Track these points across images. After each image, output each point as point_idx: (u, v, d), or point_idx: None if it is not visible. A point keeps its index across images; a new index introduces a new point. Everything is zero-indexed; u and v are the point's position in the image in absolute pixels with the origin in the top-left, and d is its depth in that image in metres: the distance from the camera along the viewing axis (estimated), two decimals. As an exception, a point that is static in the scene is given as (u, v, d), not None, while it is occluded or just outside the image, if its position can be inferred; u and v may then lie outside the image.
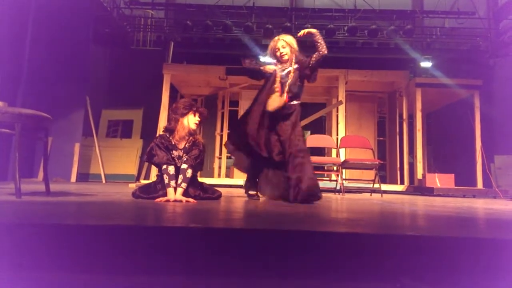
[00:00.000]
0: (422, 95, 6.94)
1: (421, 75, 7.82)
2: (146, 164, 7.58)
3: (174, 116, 2.87)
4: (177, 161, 2.77)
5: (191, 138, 2.86)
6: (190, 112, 2.87)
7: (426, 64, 8.22)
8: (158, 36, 9.20)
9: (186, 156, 2.77)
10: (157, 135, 3.00)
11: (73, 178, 6.56)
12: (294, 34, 3.30)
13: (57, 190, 3.31)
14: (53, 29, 6.51)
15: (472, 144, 6.89)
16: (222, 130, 7.94)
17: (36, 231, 1.22)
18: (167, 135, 2.85)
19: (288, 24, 8.84)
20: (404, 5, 9.60)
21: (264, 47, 9.21)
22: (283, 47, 3.16)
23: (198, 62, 7.46)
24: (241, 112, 7.82)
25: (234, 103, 8.00)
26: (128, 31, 9.05)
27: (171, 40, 8.94)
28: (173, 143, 2.83)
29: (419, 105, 6.91)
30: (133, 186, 4.84)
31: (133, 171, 7.45)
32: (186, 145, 2.83)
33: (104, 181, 6.91)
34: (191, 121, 2.87)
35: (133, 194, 2.80)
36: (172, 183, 2.64)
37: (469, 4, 9.53)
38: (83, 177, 7.05)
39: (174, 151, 2.81)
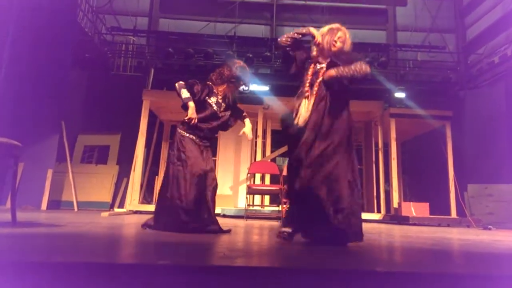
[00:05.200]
0: (397, 125, 7.14)
1: (396, 105, 8.07)
2: (121, 191, 7.39)
3: (220, 77, 3.06)
4: (214, 107, 3.02)
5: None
6: (231, 85, 3.08)
7: (400, 94, 8.50)
8: (139, 62, 9.24)
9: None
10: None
11: (44, 205, 6.30)
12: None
13: (25, 220, 3.17)
14: (32, 52, 6.43)
15: (446, 173, 7.07)
16: (201, 156, 7.89)
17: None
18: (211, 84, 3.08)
19: (268, 54, 9.06)
20: (379, 39, 10.04)
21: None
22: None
23: (178, 89, 7.48)
24: (220, 138, 7.83)
25: (214, 129, 8.01)
26: (109, 56, 9.05)
27: (152, 66, 8.98)
28: (214, 91, 3.06)
29: (393, 135, 7.09)
30: (105, 214, 4.69)
31: (108, 198, 7.23)
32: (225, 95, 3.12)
33: (76, 209, 6.67)
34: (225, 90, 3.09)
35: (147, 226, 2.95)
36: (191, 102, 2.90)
37: (440, 39, 10.08)
38: (55, 204, 6.79)
39: (213, 97, 3.04)
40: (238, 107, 3.25)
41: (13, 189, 2.76)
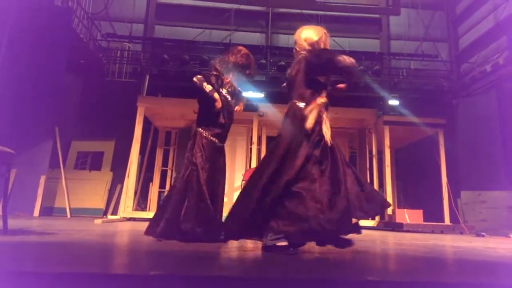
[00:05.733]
0: (390, 132, 7.20)
1: (389, 113, 8.13)
2: (115, 197, 7.35)
3: (230, 59, 2.94)
4: (228, 98, 2.96)
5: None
6: (240, 72, 2.98)
7: (393, 102, 8.58)
8: (134, 68, 9.24)
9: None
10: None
11: (36, 212, 6.25)
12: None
13: (16, 228, 3.14)
14: (26, 58, 6.41)
15: (439, 180, 7.12)
16: (195, 163, 7.86)
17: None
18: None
19: (264, 61, 9.11)
20: (373, 47, 10.15)
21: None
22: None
23: (173, 95, 7.48)
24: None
25: (208, 136, 8.00)
26: (104, 62, 9.05)
27: (147, 72, 8.99)
28: (224, 82, 2.97)
29: (387, 142, 7.14)
30: (98, 222, 4.65)
31: (101, 205, 7.19)
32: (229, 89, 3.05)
33: (69, 216, 6.62)
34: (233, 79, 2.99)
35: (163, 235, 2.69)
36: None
37: (433, 47, 10.20)
38: (47, 211, 6.74)
39: (223, 89, 2.96)
40: (240, 91, 3.15)
41: (5, 196, 2.74)
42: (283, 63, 9.20)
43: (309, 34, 2.49)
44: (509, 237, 4.90)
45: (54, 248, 1.98)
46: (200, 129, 2.90)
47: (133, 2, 9.95)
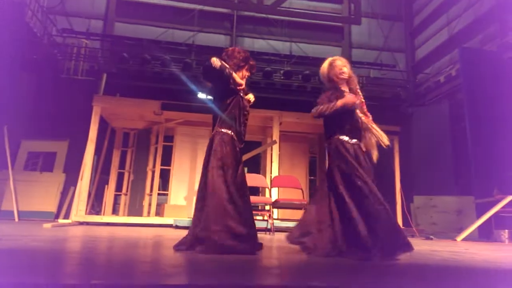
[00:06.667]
0: (349, 138, 7.39)
1: (349, 119, 8.37)
2: (67, 201, 7.01)
3: (231, 63, 2.69)
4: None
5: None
6: (246, 67, 2.80)
7: (353, 109, 8.84)
8: (91, 66, 8.89)
9: None
10: None
11: (-20, 215, 5.84)
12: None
13: (-48, 234, 2.90)
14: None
15: (393, 184, 7.41)
16: (154, 165, 7.67)
17: None
18: None
19: (227, 63, 9.08)
20: (334, 54, 10.39)
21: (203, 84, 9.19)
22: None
23: (132, 95, 7.25)
24: (176, 147, 7.66)
25: (169, 138, 7.84)
26: (59, 58, 8.64)
27: (104, 70, 8.67)
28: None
29: (346, 147, 7.33)
30: (48, 226, 4.41)
31: (52, 208, 6.82)
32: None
33: (17, 219, 6.23)
34: (242, 76, 2.78)
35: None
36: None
37: (391, 57, 10.66)
38: (-7, 214, 6.31)
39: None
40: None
41: None
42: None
43: (321, 71, 2.90)
44: (455, 240, 5.18)
45: (-9, 257, 1.84)
46: (220, 128, 2.67)
47: (93, -3, 9.61)
